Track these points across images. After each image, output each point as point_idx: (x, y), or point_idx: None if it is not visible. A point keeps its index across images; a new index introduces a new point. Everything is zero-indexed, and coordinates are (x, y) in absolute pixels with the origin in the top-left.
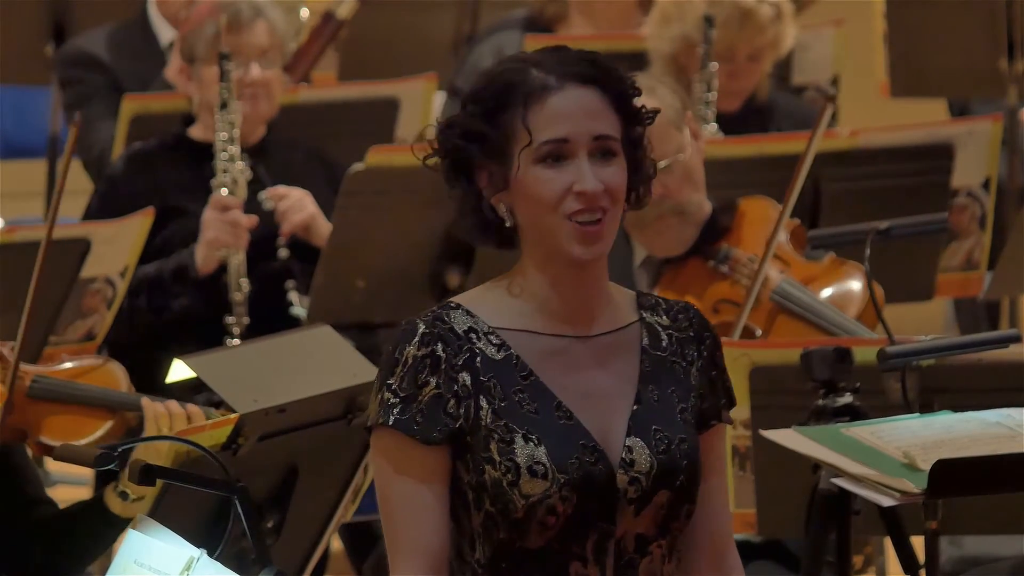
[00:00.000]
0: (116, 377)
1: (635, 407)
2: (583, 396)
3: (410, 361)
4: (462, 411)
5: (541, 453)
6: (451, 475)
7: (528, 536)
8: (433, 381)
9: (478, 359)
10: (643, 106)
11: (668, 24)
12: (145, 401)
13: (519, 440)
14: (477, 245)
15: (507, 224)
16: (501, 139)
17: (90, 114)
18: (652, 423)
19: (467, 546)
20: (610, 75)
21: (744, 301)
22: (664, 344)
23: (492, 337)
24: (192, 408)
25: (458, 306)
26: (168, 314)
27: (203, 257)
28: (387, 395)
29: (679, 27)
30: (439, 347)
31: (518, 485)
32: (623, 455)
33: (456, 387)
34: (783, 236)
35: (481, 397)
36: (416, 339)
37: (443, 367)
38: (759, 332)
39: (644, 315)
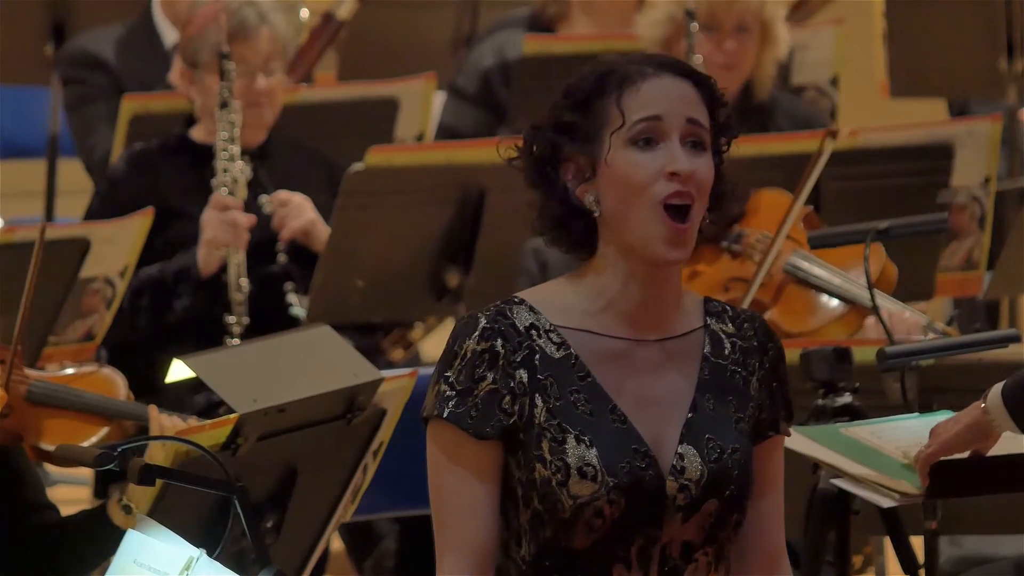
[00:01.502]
0: (115, 384)
1: (690, 415)
2: (639, 400)
3: (468, 355)
4: (517, 408)
5: (592, 455)
6: (503, 471)
7: (574, 536)
8: (490, 376)
9: (536, 356)
10: (730, 116)
11: (653, 8)
12: (152, 412)
13: (571, 441)
14: (553, 245)
15: (594, 214)
16: (593, 125)
17: (92, 116)
18: (706, 432)
19: (513, 542)
20: (706, 79)
21: (754, 275)
22: (726, 352)
23: (553, 335)
24: (193, 422)
25: (522, 301)
26: (171, 315)
27: (204, 257)
28: (443, 387)
29: (664, 9)
30: (498, 343)
31: (567, 485)
32: (674, 462)
33: (512, 383)
34: (796, 214)
35: (537, 395)
36: (476, 333)
37: (501, 363)
38: (766, 302)
39: (709, 322)
